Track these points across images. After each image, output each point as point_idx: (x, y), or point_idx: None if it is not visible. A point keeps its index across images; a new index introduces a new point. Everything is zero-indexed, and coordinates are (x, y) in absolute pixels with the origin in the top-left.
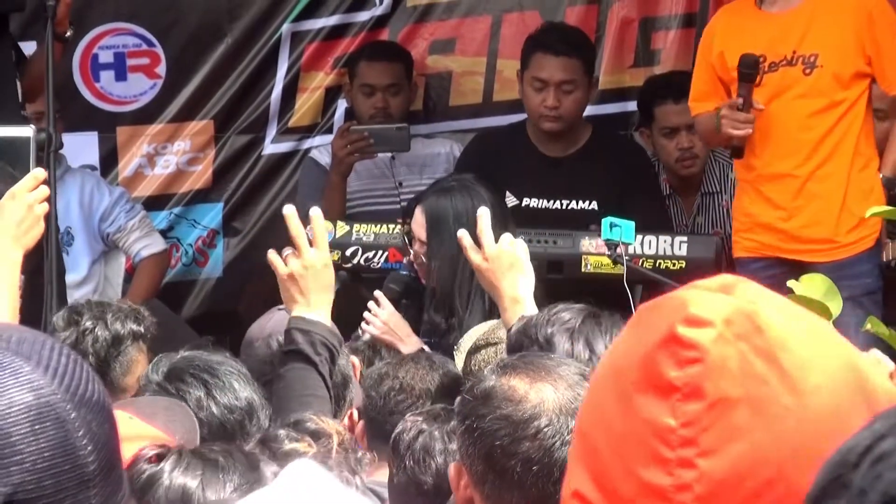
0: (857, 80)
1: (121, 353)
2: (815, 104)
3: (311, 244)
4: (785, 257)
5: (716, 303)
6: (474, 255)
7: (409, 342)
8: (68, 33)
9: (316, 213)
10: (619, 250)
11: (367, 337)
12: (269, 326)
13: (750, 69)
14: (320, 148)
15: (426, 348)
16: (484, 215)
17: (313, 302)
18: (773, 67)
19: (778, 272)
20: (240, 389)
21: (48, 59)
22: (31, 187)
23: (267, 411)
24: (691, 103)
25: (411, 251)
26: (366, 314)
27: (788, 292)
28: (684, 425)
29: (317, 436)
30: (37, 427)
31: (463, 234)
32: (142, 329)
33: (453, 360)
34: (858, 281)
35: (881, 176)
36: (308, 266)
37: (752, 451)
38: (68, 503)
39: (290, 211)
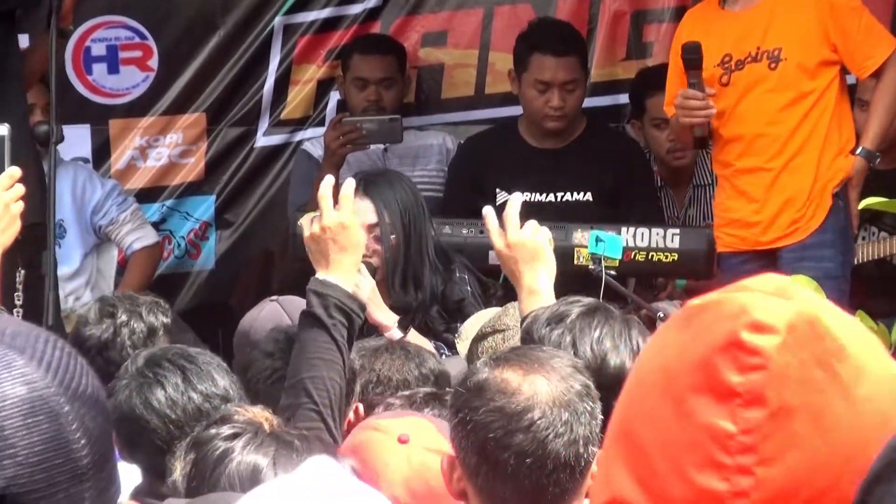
0: (824, 69)
1: (154, 345)
2: (783, 97)
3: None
4: (759, 249)
5: (779, 308)
6: (497, 239)
7: (387, 314)
8: (70, 27)
9: (349, 184)
10: (601, 264)
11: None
12: (260, 317)
13: (692, 54)
14: (313, 140)
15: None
16: (514, 200)
17: (333, 264)
18: (739, 65)
19: (755, 266)
20: (218, 378)
21: (51, 55)
22: (6, 186)
23: (246, 401)
24: (666, 107)
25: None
26: None
27: None
28: (744, 432)
29: (250, 425)
30: (30, 421)
31: (488, 213)
32: (168, 321)
33: (447, 345)
34: (819, 263)
35: (860, 149)
36: (326, 227)
37: (809, 460)
38: (61, 497)
39: (327, 181)
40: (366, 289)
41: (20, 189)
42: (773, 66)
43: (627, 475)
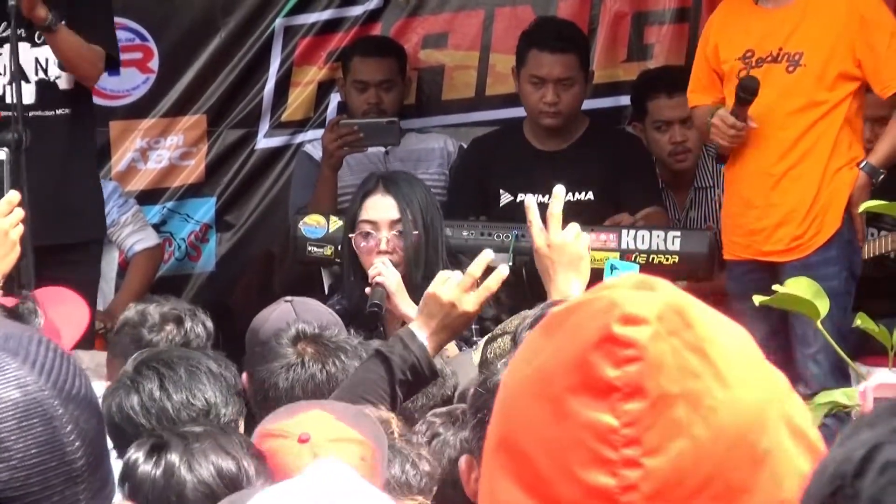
0: (843, 82)
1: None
2: (794, 103)
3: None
4: (760, 259)
5: (646, 299)
6: (538, 236)
7: (412, 307)
8: (48, 20)
9: (502, 272)
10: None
11: (381, 279)
12: (272, 318)
13: (748, 94)
14: (314, 142)
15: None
16: (558, 197)
17: (437, 331)
18: (759, 63)
19: (759, 276)
20: (199, 389)
21: (15, 59)
22: (5, 212)
23: (234, 408)
24: (689, 94)
25: (382, 241)
26: (378, 265)
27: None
28: (627, 425)
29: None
30: (24, 424)
31: (531, 204)
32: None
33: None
34: (823, 283)
35: (864, 163)
36: (454, 303)
37: (693, 448)
38: (56, 499)
39: (486, 258)
40: (393, 281)
41: (19, 213)
42: (791, 69)
43: (513, 485)
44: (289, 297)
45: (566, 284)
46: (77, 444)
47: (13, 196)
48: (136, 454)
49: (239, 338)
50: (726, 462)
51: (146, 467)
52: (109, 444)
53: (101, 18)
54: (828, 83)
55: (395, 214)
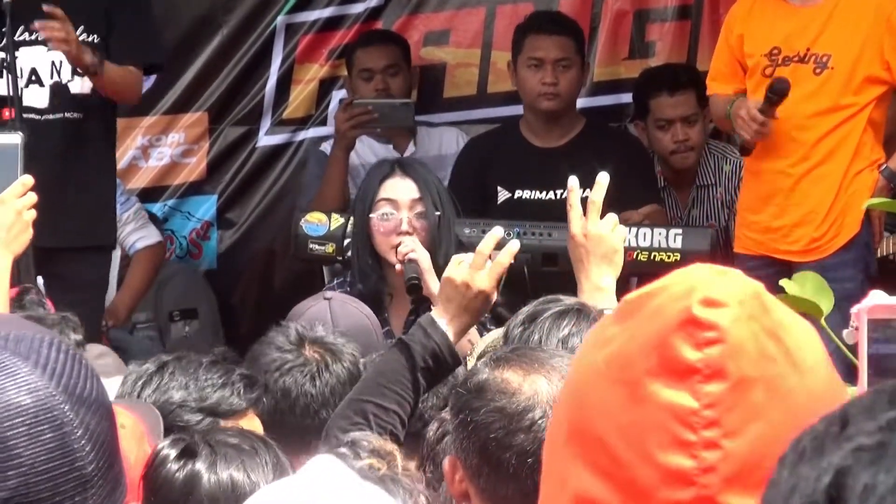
0: (870, 86)
1: None
2: (819, 105)
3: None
4: (775, 257)
5: (726, 284)
6: (576, 223)
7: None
8: (94, 66)
9: (513, 247)
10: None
11: (415, 256)
12: (307, 314)
13: (778, 96)
14: (330, 140)
15: None
16: (601, 185)
17: (457, 316)
18: (786, 62)
19: (770, 272)
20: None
21: (11, 59)
22: (19, 193)
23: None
24: (709, 81)
25: (402, 221)
26: (409, 242)
27: (780, 292)
28: (707, 406)
29: (378, 454)
30: (34, 430)
31: (574, 185)
32: (80, 337)
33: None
34: (839, 285)
35: (884, 167)
36: (468, 283)
37: (770, 431)
38: None
39: (497, 234)
40: (424, 260)
41: (32, 197)
42: (818, 71)
43: (588, 472)
44: (329, 294)
45: (599, 276)
46: (87, 448)
47: (27, 179)
48: (169, 451)
49: (242, 334)
50: None
51: (173, 466)
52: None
53: (142, 28)
54: (854, 87)
55: (416, 194)
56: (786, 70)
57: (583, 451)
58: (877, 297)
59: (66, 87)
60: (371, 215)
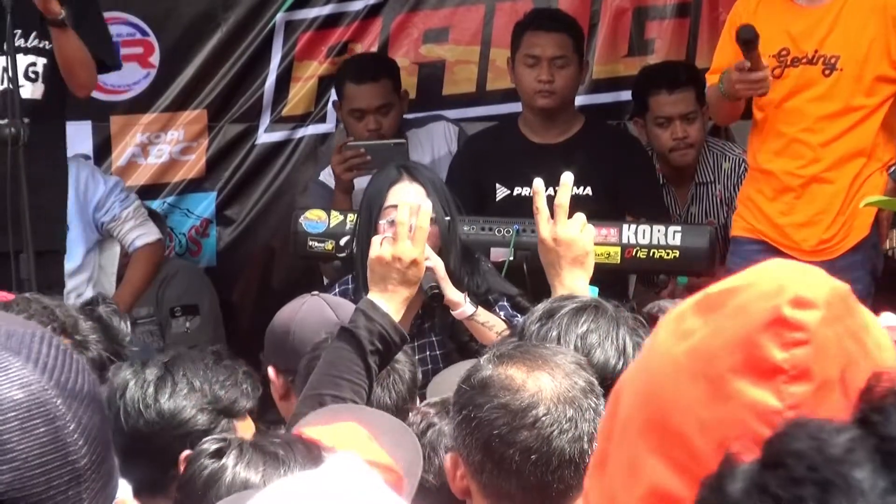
0: (880, 85)
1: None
2: (829, 107)
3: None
4: (776, 246)
5: (815, 283)
6: (545, 227)
7: (457, 292)
8: (62, 16)
9: (427, 208)
10: None
11: (430, 263)
12: (303, 310)
13: (748, 37)
14: (328, 171)
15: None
16: (567, 182)
17: (391, 293)
18: (794, 62)
19: (769, 257)
20: (180, 400)
21: (11, 54)
22: None
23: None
24: (710, 75)
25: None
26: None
27: None
28: (791, 407)
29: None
30: (27, 425)
31: (539, 190)
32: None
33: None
34: (851, 287)
35: (892, 169)
36: (398, 257)
37: None
38: (60, 499)
39: (408, 203)
40: (439, 268)
41: None
42: (827, 72)
43: (663, 465)
44: (314, 293)
45: (572, 280)
46: (80, 442)
47: None
48: (209, 445)
49: (241, 332)
50: None
51: (207, 461)
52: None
53: (93, 22)
54: (865, 87)
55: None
56: (794, 71)
57: (660, 443)
58: (888, 319)
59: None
60: (380, 221)
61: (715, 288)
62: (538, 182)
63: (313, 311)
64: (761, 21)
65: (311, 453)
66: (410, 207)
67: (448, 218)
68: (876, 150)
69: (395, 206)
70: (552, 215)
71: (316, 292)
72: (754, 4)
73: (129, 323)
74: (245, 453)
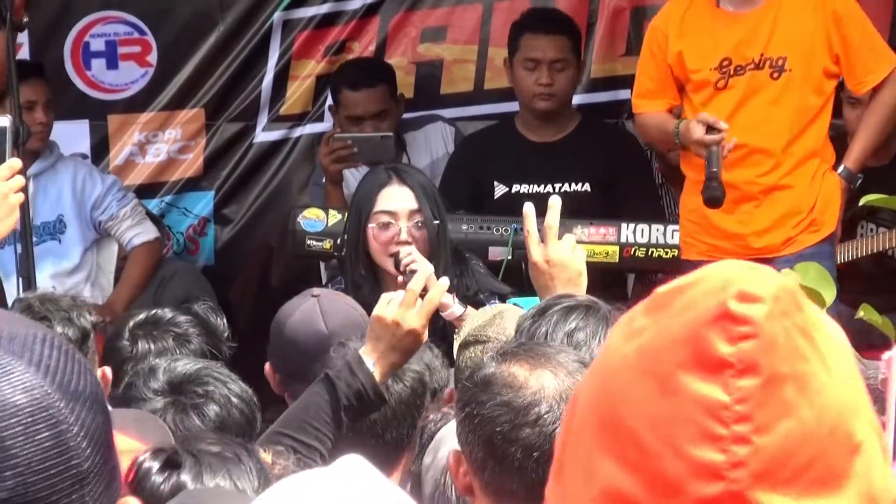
0: (826, 81)
1: (87, 349)
2: (783, 110)
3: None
4: (742, 256)
5: (762, 279)
6: (536, 250)
7: (446, 294)
8: (25, 19)
9: (443, 284)
10: None
11: (416, 267)
12: (296, 315)
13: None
14: None
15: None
16: (555, 208)
17: (383, 355)
18: (739, 70)
19: None
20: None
21: (9, 51)
22: (5, 177)
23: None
24: (636, 100)
25: (402, 231)
26: (413, 253)
27: None
28: (739, 401)
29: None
30: (30, 430)
31: (528, 213)
32: (96, 319)
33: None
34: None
35: (841, 168)
36: (396, 321)
37: (800, 429)
38: (64, 503)
39: (426, 271)
40: (427, 271)
41: (20, 180)
42: (775, 75)
43: (616, 464)
44: (316, 291)
45: None
46: (84, 445)
47: (14, 162)
48: (151, 464)
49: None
50: (828, 445)
51: (157, 479)
52: None
53: None
54: (814, 85)
55: (414, 205)
56: (741, 79)
57: (612, 443)
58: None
59: None
60: (369, 225)
61: (663, 288)
62: (528, 206)
63: (304, 321)
64: (691, 34)
65: (247, 449)
66: (428, 277)
67: (437, 222)
68: (825, 150)
69: (386, 212)
70: (542, 239)
71: (317, 292)
72: (677, 19)
73: (225, 320)
74: (201, 461)
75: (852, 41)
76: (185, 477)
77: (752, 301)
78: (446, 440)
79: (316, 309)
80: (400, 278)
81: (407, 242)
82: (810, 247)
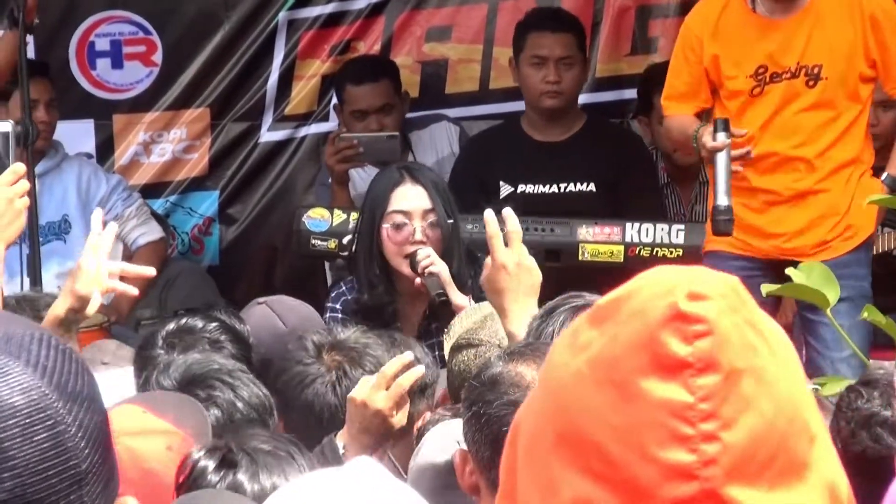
0: (862, 86)
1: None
2: (819, 117)
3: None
4: (770, 259)
5: (706, 278)
6: (505, 253)
7: (461, 296)
8: (35, 20)
9: (419, 371)
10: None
11: (436, 269)
12: (251, 323)
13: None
14: None
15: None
16: (512, 215)
17: (353, 437)
18: (775, 78)
19: (759, 274)
20: (254, 387)
21: (21, 51)
22: (10, 182)
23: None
24: (666, 101)
25: (416, 231)
26: (431, 255)
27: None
28: (702, 399)
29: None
30: (28, 431)
31: (490, 218)
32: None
33: None
34: (858, 283)
35: (885, 175)
36: (365, 402)
37: (762, 421)
38: (62, 503)
39: (404, 359)
40: (444, 273)
41: (25, 185)
42: (811, 83)
43: (582, 477)
44: (262, 300)
45: (526, 310)
46: (81, 445)
47: (18, 167)
48: (206, 462)
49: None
50: (789, 436)
51: (213, 478)
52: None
53: None
54: (850, 91)
55: (428, 204)
56: (779, 86)
57: (574, 456)
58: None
59: None
60: (383, 226)
61: (604, 300)
62: (489, 213)
63: (261, 325)
64: (729, 39)
65: (297, 446)
66: (403, 363)
67: (451, 221)
68: (863, 154)
69: (400, 212)
70: (506, 243)
71: (263, 300)
72: (713, 22)
73: (248, 327)
74: (257, 460)
75: (890, 45)
76: (242, 476)
77: (702, 299)
78: (427, 442)
79: (268, 312)
80: (417, 280)
81: (421, 242)
82: (845, 254)
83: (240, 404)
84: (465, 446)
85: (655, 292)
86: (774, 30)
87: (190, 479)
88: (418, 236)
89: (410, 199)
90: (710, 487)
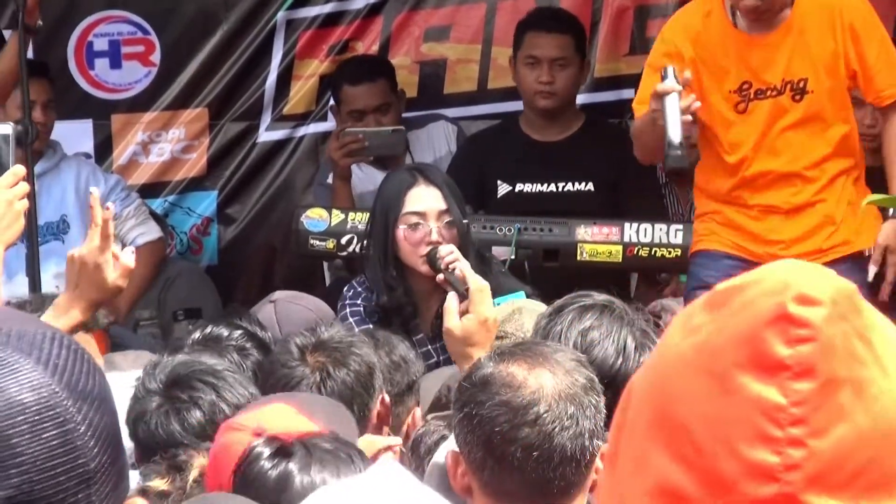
0: (847, 96)
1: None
2: (810, 130)
3: None
4: (763, 263)
5: (821, 282)
6: (488, 308)
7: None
8: (39, 22)
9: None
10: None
11: (461, 264)
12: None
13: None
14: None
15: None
16: (465, 266)
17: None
18: (759, 94)
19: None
20: (244, 388)
21: (21, 53)
22: (10, 184)
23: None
24: (637, 105)
25: (432, 231)
26: (454, 252)
27: None
28: (795, 404)
29: (179, 469)
30: (37, 428)
31: (451, 299)
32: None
33: None
34: (865, 276)
35: (893, 211)
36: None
37: (855, 433)
38: (70, 502)
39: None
40: (467, 269)
41: (24, 187)
42: (797, 97)
43: (670, 459)
44: (275, 297)
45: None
46: (91, 444)
47: (18, 169)
48: (262, 449)
49: None
50: (883, 450)
51: (266, 464)
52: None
53: None
54: (838, 101)
55: (443, 204)
56: (761, 103)
57: (666, 438)
58: None
59: None
60: (399, 227)
61: (723, 285)
62: (445, 248)
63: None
64: (711, 51)
65: (361, 454)
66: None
67: (466, 220)
68: (857, 160)
69: (416, 213)
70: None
71: (276, 297)
72: (692, 35)
73: (269, 333)
74: (313, 455)
75: (869, 56)
76: (293, 466)
77: (811, 304)
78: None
79: (271, 315)
80: (440, 277)
81: (438, 243)
82: (839, 261)
83: (223, 405)
84: (456, 448)
85: (768, 288)
86: (757, 45)
87: (244, 464)
88: (434, 236)
89: (425, 200)
90: (789, 491)
